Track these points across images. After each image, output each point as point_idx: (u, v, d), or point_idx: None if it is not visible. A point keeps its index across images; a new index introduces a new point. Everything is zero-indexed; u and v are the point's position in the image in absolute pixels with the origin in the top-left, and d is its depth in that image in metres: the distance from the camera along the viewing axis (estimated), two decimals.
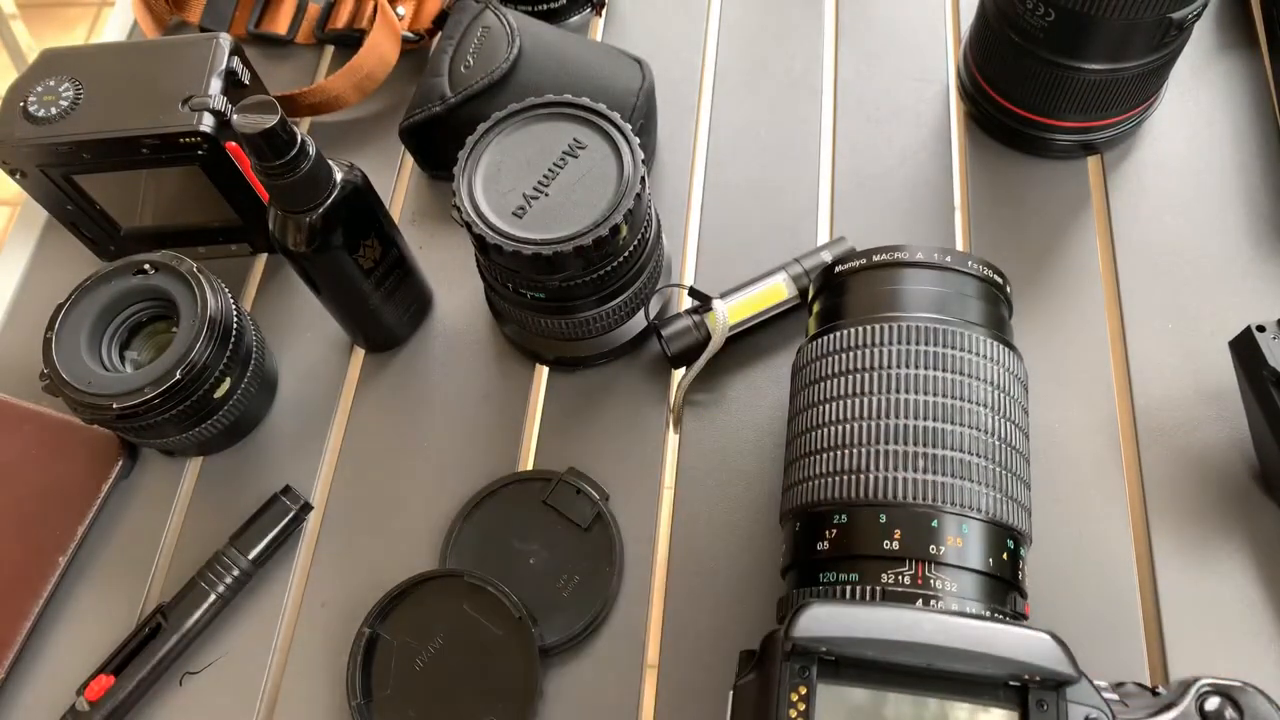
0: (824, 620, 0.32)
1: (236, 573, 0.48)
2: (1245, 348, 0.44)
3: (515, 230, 0.44)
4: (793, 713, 0.32)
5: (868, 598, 0.35)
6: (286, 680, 0.47)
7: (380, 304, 0.51)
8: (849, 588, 0.35)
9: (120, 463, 0.51)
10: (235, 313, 0.49)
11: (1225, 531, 0.45)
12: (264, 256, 0.59)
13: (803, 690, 0.32)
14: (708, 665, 0.45)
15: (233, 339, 0.48)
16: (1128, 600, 0.44)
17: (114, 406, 0.45)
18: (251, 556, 0.48)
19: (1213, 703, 0.34)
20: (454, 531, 0.48)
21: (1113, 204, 0.55)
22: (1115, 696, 0.34)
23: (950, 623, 0.32)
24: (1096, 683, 0.34)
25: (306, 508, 0.50)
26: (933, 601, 0.34)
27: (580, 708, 0.45)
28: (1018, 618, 0.36)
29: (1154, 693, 0.35)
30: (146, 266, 0.49)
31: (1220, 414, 0.48)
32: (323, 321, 0.54)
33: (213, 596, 0.48)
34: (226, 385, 0.49)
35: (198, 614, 0.47)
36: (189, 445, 0.51)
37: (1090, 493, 0.47)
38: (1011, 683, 0.33)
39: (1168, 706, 0.34)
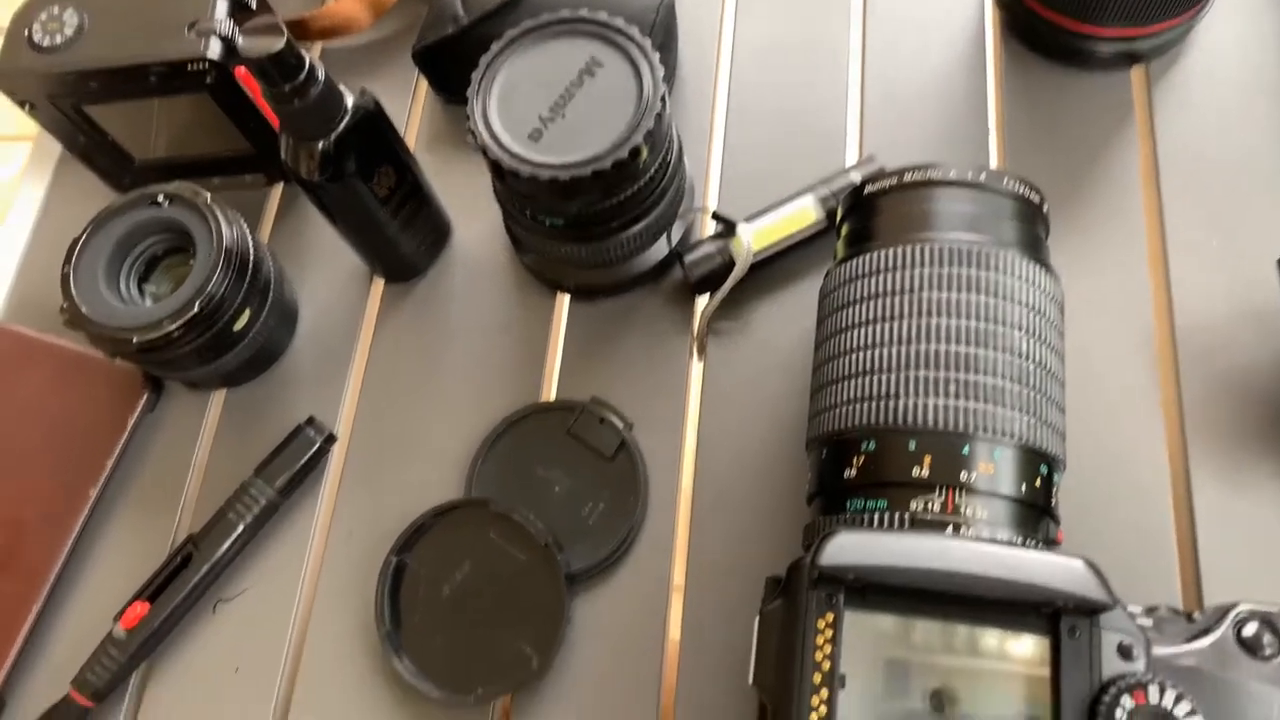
0: (851, 548, 0.32)
1: (263, 503, 0.48)
2: None
3: (531, 154, 0.42)
4: (819, 639, 0.32)
5: (896, 525, 0.34)
6: (316, 608, 0.48)
7: (397, 233, 0.50)
8: (877, 515, 0.35)
9: (145, 396, 0.51)
10: (252, 244, 0.48)
11: (1265, 455, 0.44)
12: (280, 187, 0.58)
13: (830, 617, 0.32)
14: (734, 590, 0.45)
15: (250, 271, 0.47)
16: (1163, 525, 0.43)
17: (134, 340, 0.45)
18: (277, 487, 0.49)
19: (1250, 628, 0.33)
20: (478, 461, 0.48)
21: (1156, 117, 0.52)
22: (1149, 623, 0.33)
23: (981, 550, 0.32)
24: (1130, 609, 0.33)
25: (331, 439, 0.50)
26: (962, 529, 0.34)
27: (607, 632, 0.45)
28: (1050, 544, 0.36)
29: (1189, 618, 0.35)
30: (160, 198, 0.48)
31: (1264, 335, 0.46)
32: (341, 252, 0.53)
33: (241, 527, 0.48)
34: (246, 317, 0.48)
35: (227, 544, 0.48)
36: (212, 378, 0.50)
37: (1126, 416, 0.46)
38: (1043, 609, 0.32)
39: (1203, 632, 0.33)
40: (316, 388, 0.52)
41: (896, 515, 0.34)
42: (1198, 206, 0.50)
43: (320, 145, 0.44)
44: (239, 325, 0.48)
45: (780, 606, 0.33)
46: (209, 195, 0.48)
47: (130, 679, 0.47)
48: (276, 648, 0.47)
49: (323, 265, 0.55)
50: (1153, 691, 0.31)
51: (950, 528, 0.34)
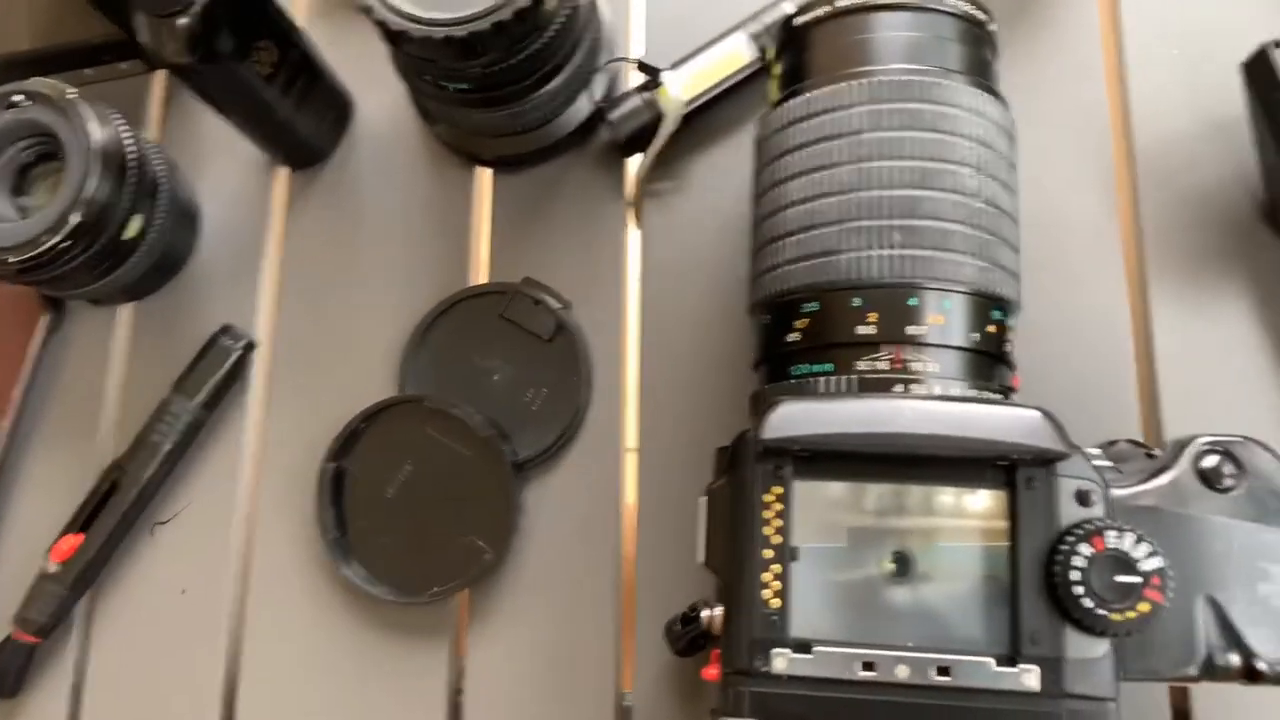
0: (795, 418, 0.30)
1: (187, 420, 0.46)
2: (1259, 69, 0.39)
3: (422, 10, 0.38)
4: (768, 514, 0.30)
5: (843, 389, 0.32)
6: (259, 521, 0.46)
7: (291, 114, 0.46)
8: (823, 379, 0.33)
9: (46, 317, 0.48)
10: (131, 141, 0.43)
11: (1227, 272, 0.42)
12: (163, 73, 0.53)
13: (778, 490, 0.30)
14: (688, 463, 0.43)
15: (132, 171, 0.43)
16: (1123, 359, 0.42)
17: (10, 260, 0.41)
18: (199, 402, 0.46)
19: (1209, 461, 0.32)
20: (409, 356, 0.46)
21: None
22: (1109, 463, 0.32)
23: (931, 409, 0.30)
24: (1088, 450, 0.32)
25: (251, 345, 0.47)
26: (913, 386, 0.32)
27: (562, 516, 0.44)
28: (1006, 392, 0.34)
29: (1149, 455, 0.34)
30: (16, 98, 0.43)
31: (1227, 147, 0.43)
32: (237, 141, 0.49)
33: (167, 446, 0.45)
34: (137, 223, 0.44)
35: (154, 465, 0.45)
36: (113, 292, 0.47)
37: (1084, 246, 0.44)
38: (999, 463, 0.31)
39: (1162, 469, 0.32)
40: (229, 291, 0.48)
41: (844, 379, 0.32)
42: (1158, 11, 0.46)
43: (182, 20, 0.39)
44: (130, 233, 0.44)
45: (726, 483, 0.31)
46: (75, 91, 0.43)
47: (74, 611, 0.45)
48: (222, 565, 0.45)
49: (219, 157, 0.50)
50: (1110, 536, 0.30)
51: (900, 386, 0.32)
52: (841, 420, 0.30)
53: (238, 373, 0.47)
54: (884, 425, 0.30)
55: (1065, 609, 0.29)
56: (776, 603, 0.30)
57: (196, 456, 0.47)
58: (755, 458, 0.30)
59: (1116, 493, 0.31)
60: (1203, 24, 0.45)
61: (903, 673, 0.29)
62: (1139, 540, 0.30)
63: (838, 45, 0.36)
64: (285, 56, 0.44)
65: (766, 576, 0.30)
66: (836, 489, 0.31)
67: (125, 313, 0.49)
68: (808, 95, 0.35)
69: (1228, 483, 0.32)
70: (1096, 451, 0.33)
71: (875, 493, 0.31)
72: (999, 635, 0.30)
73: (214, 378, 0.46)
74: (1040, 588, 0.30)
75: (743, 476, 0.30)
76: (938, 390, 0.32)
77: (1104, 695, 0.29)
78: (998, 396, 0.33)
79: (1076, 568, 0.29)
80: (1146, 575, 0.29)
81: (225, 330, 0.47)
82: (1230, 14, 0.45)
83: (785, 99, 0.37)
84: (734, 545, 0.30)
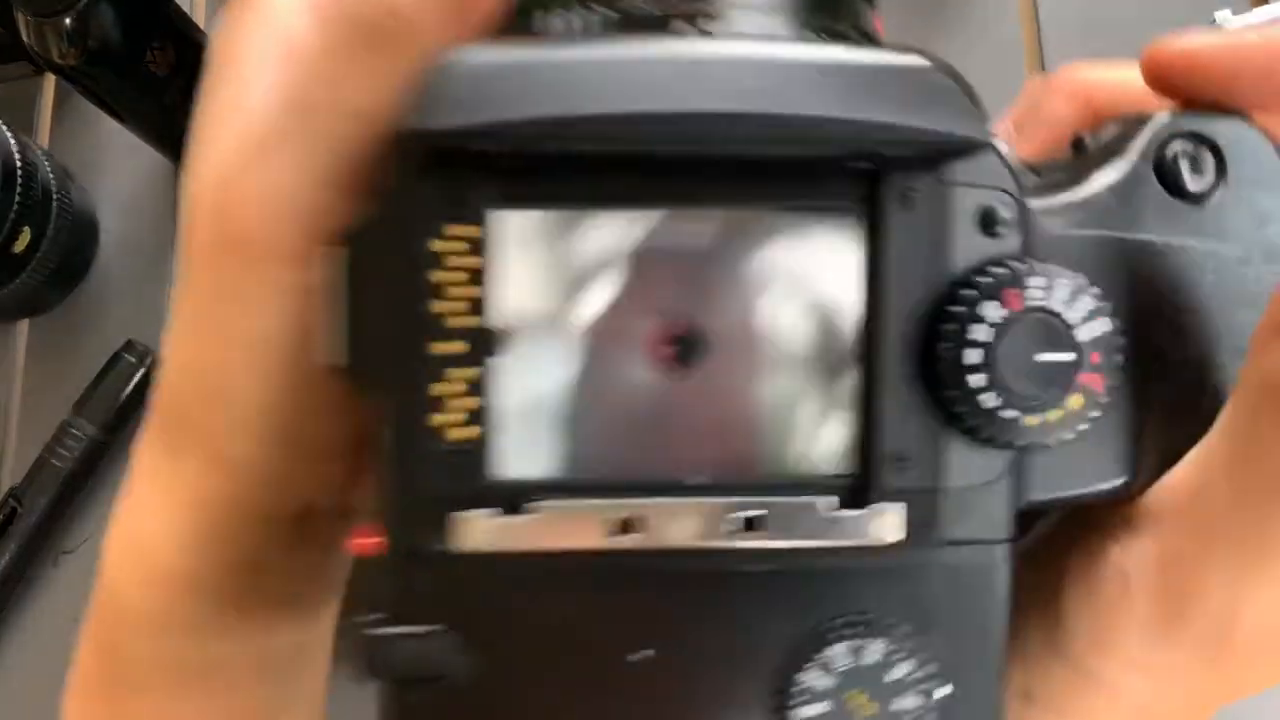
0: (487, 86, 0.15)
1: (90, 442, 0.42)
2: None
3: None
4: (447, 275, 0.16)
5: (584, 29, 0.18)
6: None
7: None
8: (559, 17, 0.17)
9: None
10: (15, 149, 0.43)
11: None
12: (52, 76, 0.51)
13: (465, 231, 0.16)
14: None
15: (18, 181, 0.42)
16: None
17: None
18: (101, 424, 0.43)
19: (1179, 147, 0.18)
20: None
21: None
22: (1007, 148, 0.18)
23: (736, 59, 0.15)
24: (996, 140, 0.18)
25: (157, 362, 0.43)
26: (704, 22, 0.17)
27: None
28: (865, 39, 0.20)
29: (1076, 144, 0.20)
30: None
31: None
32: (137, 146, 0.47)
33: (68, 471, 0.42)
34: (27, 236, 0.43)
35: (54, 491, 0.43)
36: (7, 308, 0.45)
37: None
38: (852, 164, 0.18)
39: (1100, 165, 0.18)
40: (132, 306, 0.46)
41: (589, 16, 0.17)
42: (1075, 6, 0.43)
43: (66, 20, 0.39)
44: (20, 246, 0.43)
45: (376, 230, 0.17)
46: None
47: None
48: None
49: (117, 163, 0.49)
50: (1034, 286, 0.16)
51: (681, 22, 0.18)
52: (571, 83, 0.15)
53: (143, 392, 0.43)
54: (651, 93, 0.16)
55: (952, 410, 0.15)
56: (468, 431, 0.16)
57: (104, 480, 0.44)
58: (417, 170, 0.16)
59: (1037, 204, 0.18)
60: (1120, 17, 0.42)
61: (684, 531, 0.15)
62: (1077, 291, 0.16)
63: None
64: (184, 57, 0.43)
65: (446, 387, 0.16)
66: (565, 221, 0.17)
67: (20, 330, 0.48)
68: None
69: (1201, 185, 0.17)
70: (1003, 144, 0.19)
71: (636, 225, 0.18)
72: (840, 458, 0.16)
73: (117, 398, 0.44)
74: (912, 377, 0.16)
75: (399, 208, 0.16)
76: (749, 27, 0.18)
77: (993, 536, 0.15)
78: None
79: (976, 341, 0.15)
80: (1083, 349, 0.15)
81: (128, 347, 0.44)
82: (1147, 6, 0.41)
83: None
84: (390, 333, 0.16)
